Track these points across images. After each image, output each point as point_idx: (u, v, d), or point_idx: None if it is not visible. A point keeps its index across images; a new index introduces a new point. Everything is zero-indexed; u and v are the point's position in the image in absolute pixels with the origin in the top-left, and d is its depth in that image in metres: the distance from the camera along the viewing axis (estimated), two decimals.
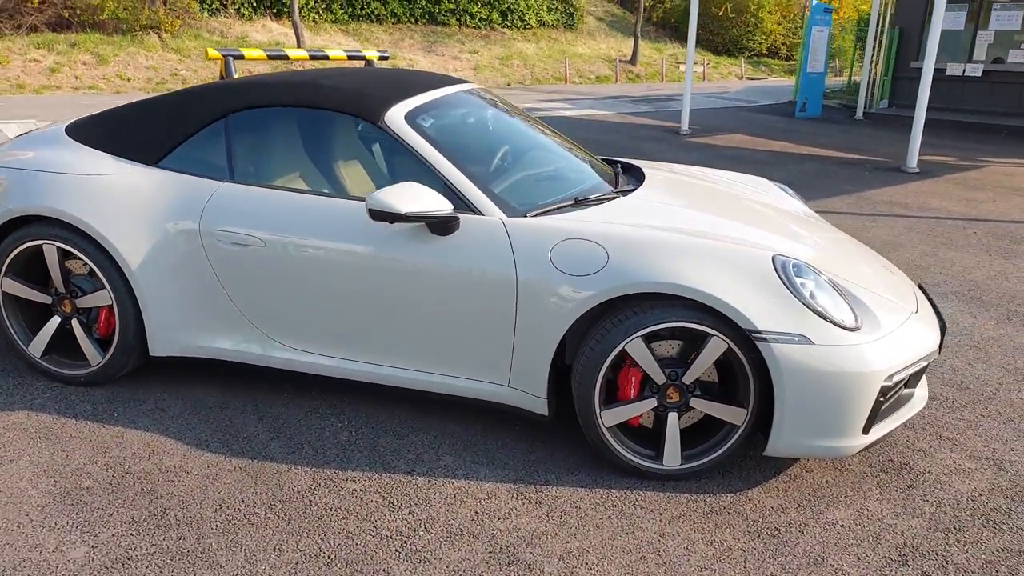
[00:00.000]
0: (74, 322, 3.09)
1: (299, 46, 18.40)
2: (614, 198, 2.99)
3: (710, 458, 2.62)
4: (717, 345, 2.49)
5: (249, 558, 2.22)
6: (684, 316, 2.48)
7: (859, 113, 13.73)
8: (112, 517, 2.37)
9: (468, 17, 24.22)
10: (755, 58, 29.64)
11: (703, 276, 2.45)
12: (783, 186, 3.79)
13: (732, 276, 2.46)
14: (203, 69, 17.79)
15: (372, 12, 22.52)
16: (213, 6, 19.96)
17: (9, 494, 2.46)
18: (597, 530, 2.40)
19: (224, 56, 6.94)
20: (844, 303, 2.55)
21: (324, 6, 21.69)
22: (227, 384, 3.20)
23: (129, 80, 16.84)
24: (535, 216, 2.73)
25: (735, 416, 2.57)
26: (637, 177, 3.44)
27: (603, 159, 3.73)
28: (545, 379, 2.66)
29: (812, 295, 2.49)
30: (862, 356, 2.43)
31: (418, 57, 21.48)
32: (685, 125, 11.18)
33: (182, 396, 3.10)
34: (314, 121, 2.97)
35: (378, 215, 2.52)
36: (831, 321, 2.45)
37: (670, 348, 2.67)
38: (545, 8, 26.04)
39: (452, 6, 23.78)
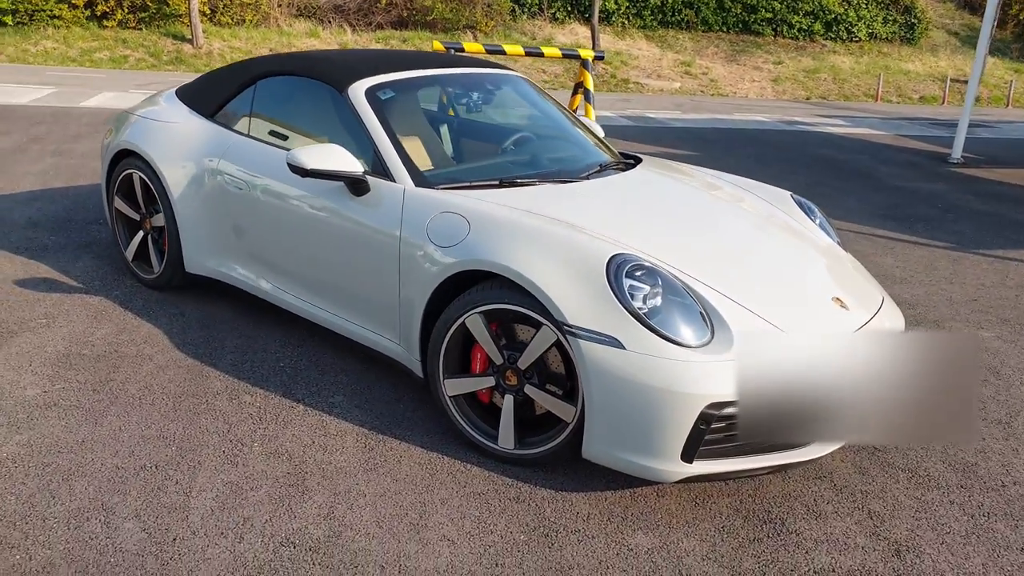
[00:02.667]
0: (148, 237, 3.94)
1: (593, 47, 19.20)
2: (539, 184, 2.98)
3: (541, 449, 2.55)
4: (547, 334, 2.43)
5: (121, 425, 2.76)
6: (516, 300, 2.46)
7: None
8: (75, 376, 3.09)
9: (786, 27, 22.97)
10: None
11: (531, 262, 2.41)
12: (803, 200, 3.34)
13: (562, 267, 2.39)
14: None
15: (682, 20, 22.53)
16: (531, 9, 21.67)
17: (35, 346, 3.31)
18: (393, 482, 2.51)
19: (447, 48, 7.90)
20: (699, 317, 2.31)
21: (634, 12, 22.27)
22: (242, 306, 3.81)
23: None
24: (443, 190, 2.87)
25: (564, 412, 2.47)
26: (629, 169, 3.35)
27: (622, 152, 3.64)
28: (417, 341, 2.80)
29: (646, 300, 2.31)
30: (679, 373, 2.20)
31: (716, 65, 21.02)
32: (957, 153, 9.61)
33: (203, 309, 3.78)
34: (304, 88, 3.42)
35: (292, 168, 2.89)
36: (654, 330, 2.25)
37: (526, 333, 2.63)
38: (879, 20, 23.59)
39: (769, 15, 22.74)
